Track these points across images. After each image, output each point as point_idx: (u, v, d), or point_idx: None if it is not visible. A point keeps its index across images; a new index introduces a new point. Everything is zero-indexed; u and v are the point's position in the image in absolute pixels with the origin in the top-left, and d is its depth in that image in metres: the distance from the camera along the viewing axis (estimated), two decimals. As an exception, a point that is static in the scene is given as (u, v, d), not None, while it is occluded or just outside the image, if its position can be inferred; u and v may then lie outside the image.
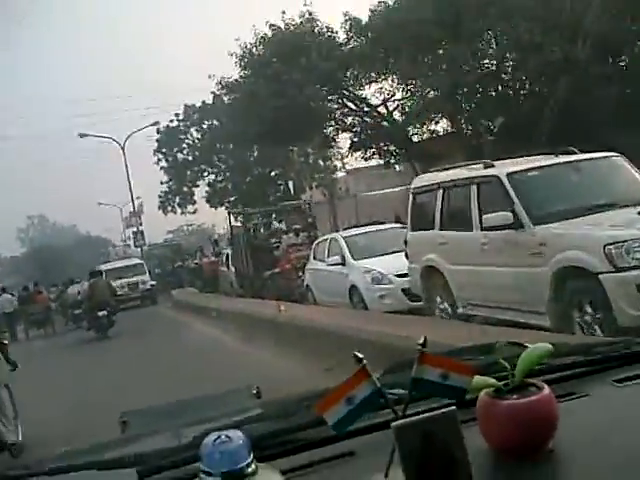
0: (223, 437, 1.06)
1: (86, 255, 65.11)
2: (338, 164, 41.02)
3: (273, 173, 40.19)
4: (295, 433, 1.34)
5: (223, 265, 20.00)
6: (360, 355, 1.08)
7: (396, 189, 24.93)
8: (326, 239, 12.08)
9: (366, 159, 23.84)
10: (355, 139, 23.06)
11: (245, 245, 15.57)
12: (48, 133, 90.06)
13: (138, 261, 28.15)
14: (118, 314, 16.83)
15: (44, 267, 62.19)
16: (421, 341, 1.10)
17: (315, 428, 1.28)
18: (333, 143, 23.27)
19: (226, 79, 21.98)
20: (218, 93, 39.40)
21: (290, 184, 36.70)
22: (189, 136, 41.15)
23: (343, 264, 10.76)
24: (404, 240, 8.64)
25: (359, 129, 22.96)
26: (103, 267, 26.17)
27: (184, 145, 40.92)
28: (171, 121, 40.19)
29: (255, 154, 39.39)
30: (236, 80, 21.80)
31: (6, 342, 7.14)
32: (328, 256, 11.49)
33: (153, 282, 26.45)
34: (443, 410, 1.06)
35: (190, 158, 40.96)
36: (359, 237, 11.32)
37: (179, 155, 40.94)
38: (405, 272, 9.54)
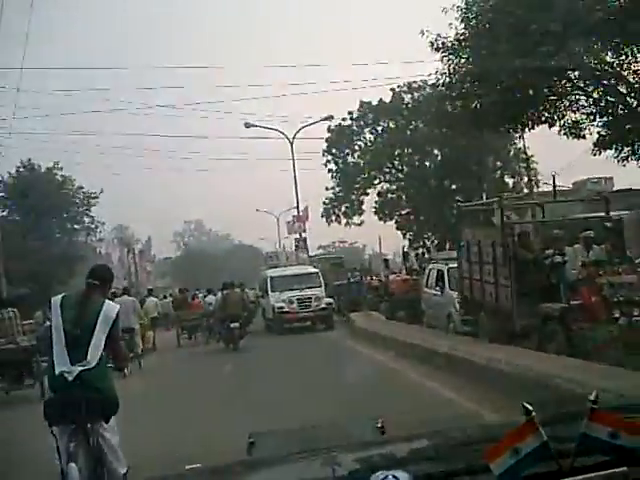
0: (391, 477, 1.08)
1: (238, 263, 66.79)
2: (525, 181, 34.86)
3: (454, 186, 34.43)
4: (457, 477, 1.31)
5: (433, 287, 14.15)
6: (529, 407, 1.13)
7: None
8: None
9: (620, 160, 17.26)
10: (606, 131, 16.68)
11: (501, 259, 9.34)
12: (210, 133, 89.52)
13: (312, 270, 21.44)
14: (285, 340, 15.12)
15: (196, 272, 61.78)
16: (592, 397, 1.12)
17: (477, 474, 1.25)
18: (583, 132, 16.81)
19: (443, 37, 16.36)
20: (398, 91, 35.06)
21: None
22: (362, 138, 36.28)
23: None
24: None
25: (619, 115, 16.48)
26: (269, 273, 21.28)
27: (356, 147, 36.11)
28: (344, 119, 35.42)
29: (434, 163, 34.04)
30: (457, 39, 16.16)
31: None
32: None
33: (330, 300, 19.96)
34: (614, 470, 1.07)
35: (361, 163, 36.07)
36: None
37: (349, 158, 36.14)
38: None
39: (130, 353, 12.71)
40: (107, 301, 4.81)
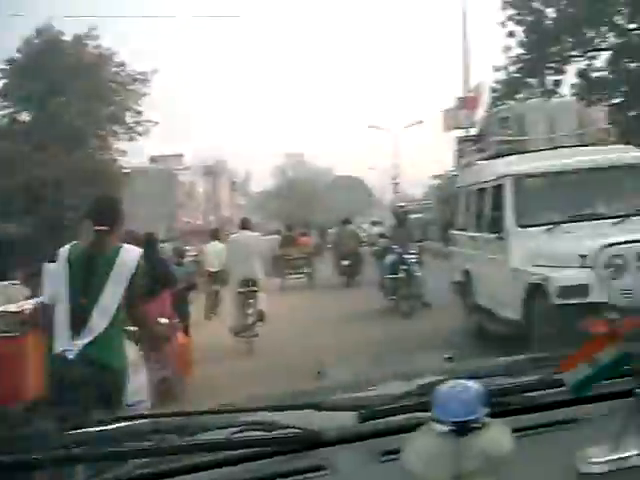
0: (460, 386, 1.00)
1: (340, 196, 60.79)
2: None
3: None
4: (528, 392, 1.29)
5: None
6: (615, 316, 1.24)
7: None
8: None
9: None
10: None
11: None
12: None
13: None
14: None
15: (292, 206, 56.55)
16: None
17: (550, 389, 1.23)
18: None
19: None
20: None
21: None
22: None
23: None
24: None
25: None
26: (511, 167, 7.02)
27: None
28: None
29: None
30: None
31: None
32: None
33: None
34: None
35: (552, 26, 23.10)
36: None
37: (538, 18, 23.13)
38: None
39: (252, 318, 9.66)
40: (125, 246, 3.83)
